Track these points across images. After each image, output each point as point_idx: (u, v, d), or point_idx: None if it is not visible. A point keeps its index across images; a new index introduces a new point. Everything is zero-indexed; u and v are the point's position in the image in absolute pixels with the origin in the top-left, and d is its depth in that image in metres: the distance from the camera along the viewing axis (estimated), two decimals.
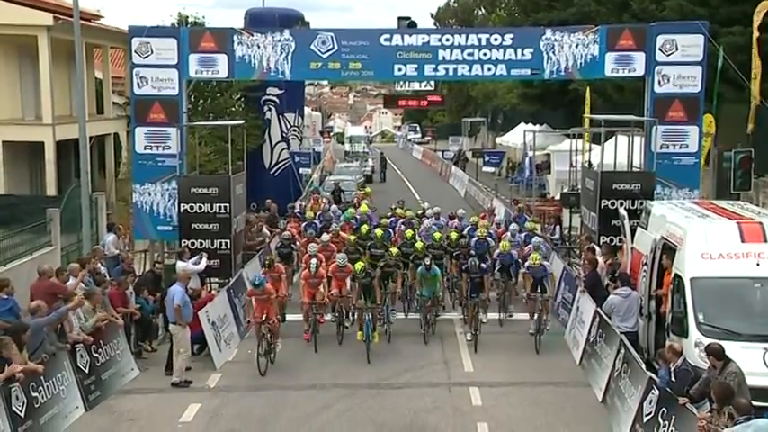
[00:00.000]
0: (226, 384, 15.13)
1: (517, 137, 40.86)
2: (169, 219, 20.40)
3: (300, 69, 20.56)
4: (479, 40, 20.32)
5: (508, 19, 54.74)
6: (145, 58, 20.10)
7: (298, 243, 21.17)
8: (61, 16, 28.01)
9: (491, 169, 44.22)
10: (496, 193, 36.54)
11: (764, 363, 12.08)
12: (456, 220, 22.78)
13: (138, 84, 20.20)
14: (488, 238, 20.15)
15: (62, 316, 13.67)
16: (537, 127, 38.23)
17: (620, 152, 22.13)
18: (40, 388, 12.45)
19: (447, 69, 20.48)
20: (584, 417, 13.55)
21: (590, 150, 28.45)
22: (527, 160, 34.25)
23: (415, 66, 20.43)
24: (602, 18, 31.81)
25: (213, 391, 14.88)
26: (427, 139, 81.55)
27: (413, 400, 14.33)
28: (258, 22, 31.35)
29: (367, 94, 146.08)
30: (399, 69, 20.54)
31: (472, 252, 18.74)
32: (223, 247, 19.98)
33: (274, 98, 34.86)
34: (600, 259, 17.61)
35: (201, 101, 33.96)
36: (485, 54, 20.29)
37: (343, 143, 65.33)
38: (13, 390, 11.70)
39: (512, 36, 20.44)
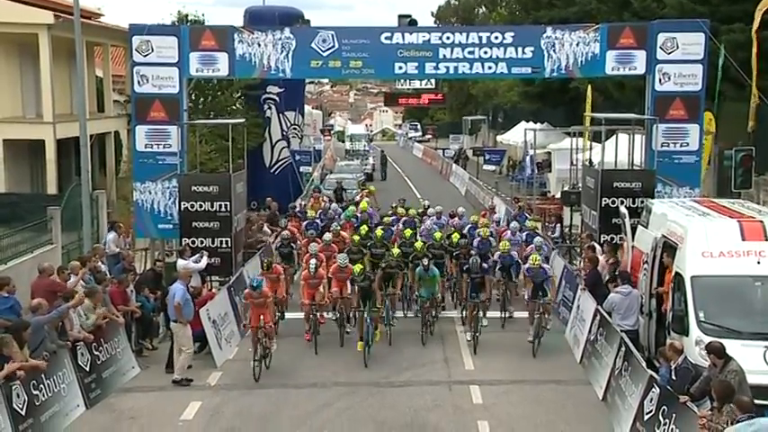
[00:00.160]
0: (226, 383, 15.14)
1: (518, 135, 40.85)
2: (170, 217, 20.40)
3: (301, 67, 20.56)
4: (480, 38, 20.32)
5: (509, 17, 54.69)
6: (145, 56, 20.10)
7: (299, 242, 21.12)
8: (62, 14, 28.02)
9: (492, 167, 44.24)
10: (497, 192, 36.55)
11: (765, 361, 12.08)
12: (456, 219, 22.76)
13: (139, 82, 20.20)
14: (491, 238, 20.08)
15: (63, 314, 13.67)
16: (538, 125, 38.21)
17: (621, 150, 22.12)
18: (41, 386, 12.46)
19: (448, 67, 20.48)
20: (584, 415, 13.55)
21: (591, 148, 28.45)
22: (528, 158, 34.28)
23: (416, 64, 20.43)
24: (603, 16, 31.80)
25: (214, 390, 14.88)
26: (428, 137, 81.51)
27: (413, 398, 14.33)
28: (258, 20, 31.36)
29: (368, 93, 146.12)
30: (400, 67, 20.54)
31: (473, 252, 18.58)
32: (224, 245, 19.99)
33: (274, 96, 34.84)
34: (601, 258, 17.61)
35: (202, 99, 33.99)
36: (485, 52, 20.29)
37: (343, 141, 65.30)
38: (13, 388, 11.71)
39: (512, 34, 20.44)
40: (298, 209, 25.43)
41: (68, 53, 27.94)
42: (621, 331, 14.13)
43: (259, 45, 20.18)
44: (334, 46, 20.30)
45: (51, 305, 13.68)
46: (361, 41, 20.36)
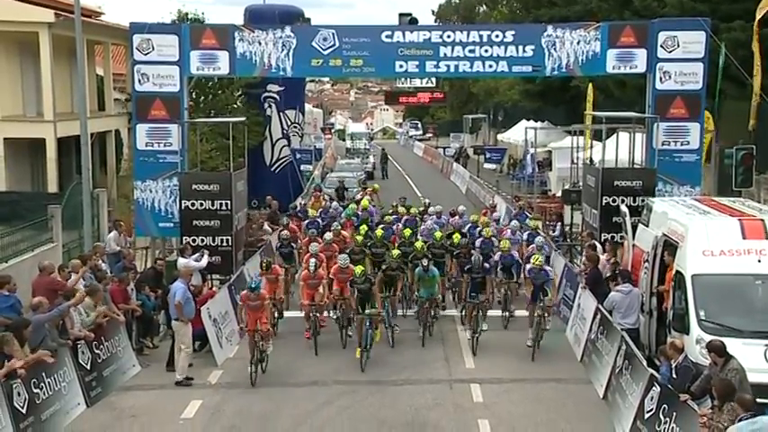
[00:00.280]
0: (227, 381, 15.14)
1: (518, 134, 40.83)
2: (170, 215, 20.42)
3: (302, 66, 20.58)
4: (481, 36, 20.33)
5: (510, 16, 54.63)
6: (146, 54, 20.11)
7: (300, 241, 21.06)
8: (62, 13, 28.04)
9: (492, 166, 44.25)
10: (498, 190, 36.53)
11: (765, 359, 12.10)
12: (457, 218, 22.74)
13: (140, 80, 20.21)
14: (493, 238, 19.92)
15: (63, 313, 13.67)
16: (538, 124, 38.20)
17: (622, 149, 22.12)
18: (42, 384, 12.46)
19: (448, 66, 20.49)
20: (585, 413, 13.55)
21: (591, 147, 28.45)
22: (528, 157, 34.28)
23: (417, 62, 20.44)
24: (604, 15, 31.76)
25: (214, 388, 14.89)
26: (428, 135, 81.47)
27: (414, 396, 14.33)
28: (258, 18, 31.35)
29: (368, 91, 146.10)
30: (401, 66, 20.55)
31: (474, 252, 18.45)
32: (224, 243, 20.00)
33: (274, 95, 34.83)
34: (603, 257, 17.60)
35: (202, 97, 33.99)
36: (486, 51, 20.29)
37: (344, 140, 65.29)
38: (14, 386, 11.71)
39: (513, 33, 20.45)
40: (298, 208, 25.39)
41: (69, 52, 27.94)
42: (622, 330, 14.12)
43: (260, 43, 20.19)
44: (334, 44, 20.31)
45: (52, 303, 13.68)
46: (361, 40, 20.37)
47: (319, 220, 22.66)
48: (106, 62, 34.73)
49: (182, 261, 18.16)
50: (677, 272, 13.84)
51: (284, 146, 35.54)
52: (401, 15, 21.96)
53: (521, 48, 20.21)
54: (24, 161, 29.66)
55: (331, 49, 20.37)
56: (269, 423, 13.32)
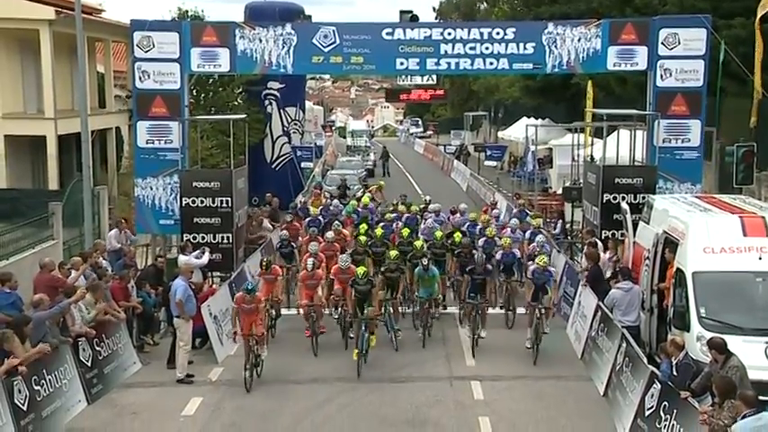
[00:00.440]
0: (228, 378, 15.12)
1: (519, 131, 40.80)
2: (171, 213, 20.43)
3: (302, 63, 20.57)
4: (481, 33, 20.32)
5: (510, 13, 54.55)
6: (146, 51, 20.11)
7: (300, 240, 20.94)
8: (63, 10, 28.01)
9: (493, 163, 44.19)
10: (498, 188, 36.53)
11: (766, 357, 12.08)
12: (458, 215, 22.70)
13: (140, 78, 20.22)
14: (496, 238, 19.67)
15: (64, 310, 13.69)
16: (539, 121, 38.19)
17: (623, 146, 22.10)
18: (43, 381, 12.47)
19: (449, 63, 20.48)
20: (585, 411, 13.56)
21: (592, 144, 28.44)
22: (529, 154, 34.25)
23: (417, 60, 20.43)
24: (605, 12, 31.72)
25: (215, 385, 14.89)
26: (429, 133, 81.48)
27: (414, 394, 14.33)
28: (259, 15, 31.31)
29: (369, 89, 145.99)
30: (401, 63, 20.55)
31: (475, 252, 18.21)
32: (225, 241, 20.00)
33: (275, 92, 34.86)
34: (606, 254, 17.58)
35: (203, 95, 34.01)
36: (487, 48, 20.28)
37: (345, 137, 65.28)
38: (15, 383, 11.72)
39: (514, 30, 20.44)
40: (299, 206, 25.32)
41: (70, 49, 27.92)
42: (623, 327, 14.13)
43: (260, 41, 20.19)
44: (335, 42, 20.30)
45: (53, 301, 13.69)
46: (362, 37, 20.37)
47: (320, 218, 22.58)
48: (107, 59, 34.70)
49: (182, 258, 18.17)
50: (678, 269, 13.83)
51: (285, 143, 35.57)
52: (402, 12, 21.96)
53: (521, 45, 20.21)
54: (25, 158, 29.64)
55: (331, 47, 20.36)
56: (269, 420, 13.33)
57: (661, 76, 19.97)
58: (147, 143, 20.39)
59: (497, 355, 16.29)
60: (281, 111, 35.32)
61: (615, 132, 24.21)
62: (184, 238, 19.62)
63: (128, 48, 25.09)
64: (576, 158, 24.44)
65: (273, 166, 35.22)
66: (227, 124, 24.58)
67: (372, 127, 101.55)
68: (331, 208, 23.95)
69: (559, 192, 29.41)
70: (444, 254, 19.07)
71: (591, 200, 20.92)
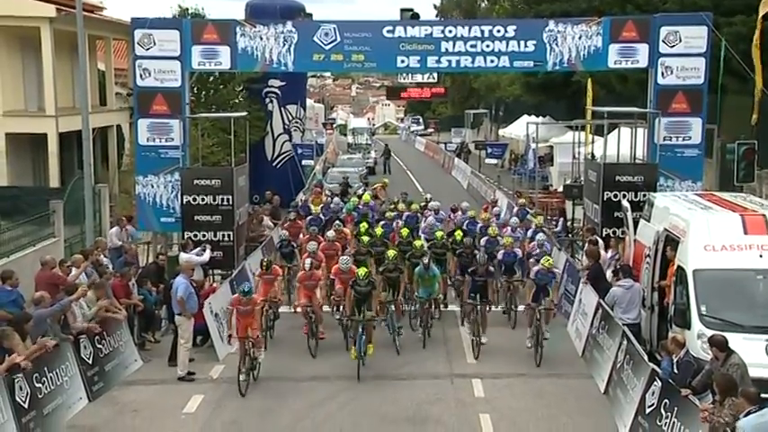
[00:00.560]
0: (229, 376, 15.11)
1: (520, 129, 40.80)
2: (172, 210, 20.43)
3: (303, 61, 20.56)
4: (482, 31, 20.31)
5: (511, 11, 54.50)
6: (147, 49, 20.11)
7: (301, 237, 20.87)
8: (64, 8, 27.99)
9: (494, 161, 44.11)
10: (499, 185, 36.53)
11: (767, 354, 12.08)
12: (459, 213, 22.67)
13: (141, 75, 20.21)
14: (498, 237, 19.53)
15: (65, 307, 13.70)
16: (540, 119, 38.14)
17: (623, 144, 22.10)
18: (44, 379, 12.49)
19: (450, 61, 20.47)
20: (586, 408, 13.57)
21: (593, 142, 28.42)
22: (530, 152, 34.24)
23: (418, 57, 20.42)
24: (606, 9, 31.69)
25: (216, 383, 14.90)
26: (430, 130, 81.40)
27: (415, 391, 14.34)
28: (259, 13, 31.31)
29: (370, 86, 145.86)
30: (402, 61, 20.54)
31: (477, 252, 18.00)
32: (226, 238, 19.99)
33: (276, 90, 34.88)
34: (608, 253, 17.57)
35: (204, 92, 34.00)
36: (487, 46, 20.28)
37: (345, 135, 65.29)
38: (16, 380, 11.73)
39: (515, 28, 20.44)
40: (300, 205, 25.26)
41: (70, 46, 27.91)
42: (623, 325, 14.14)
43: (261, 39, 20.18)
44: (336, 39, 20.29)
45: (53, 298, 13.71)
46: (363, 35, 20.35)
47: (321, 216, 22.52)
48: (107, 57, 34.69)
49: (183, 256, 18.18)
50: (678, 267, 13.83)
51: (285, 141, 35.59)
52: (402, 10, 22.03)
53: (522, 43, 20.19)
54: (26, 156, 29.64)
55: (332, 45, 20.36)
56: (270, 418, 13.34)
57: (662, 74, 19.96)
58: (147, 141, 20.39)
59: (498, 353, 16.29)
60: (282, 108, 35.34)
61: (616, 130, 24.20)
62: (185, 236, 19.62)
63: (128, 45, 25.08)
64: (576, 156, 24.42)
65: (274, 164, 35.24)
66: (227, 122, 24.57)
67: (373, 125, 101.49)
68: (332, 206, 23.90)
69: (560, 189, 29.39)
70: (445, 253, 19.01)
71: (592, 197, 20.92)
